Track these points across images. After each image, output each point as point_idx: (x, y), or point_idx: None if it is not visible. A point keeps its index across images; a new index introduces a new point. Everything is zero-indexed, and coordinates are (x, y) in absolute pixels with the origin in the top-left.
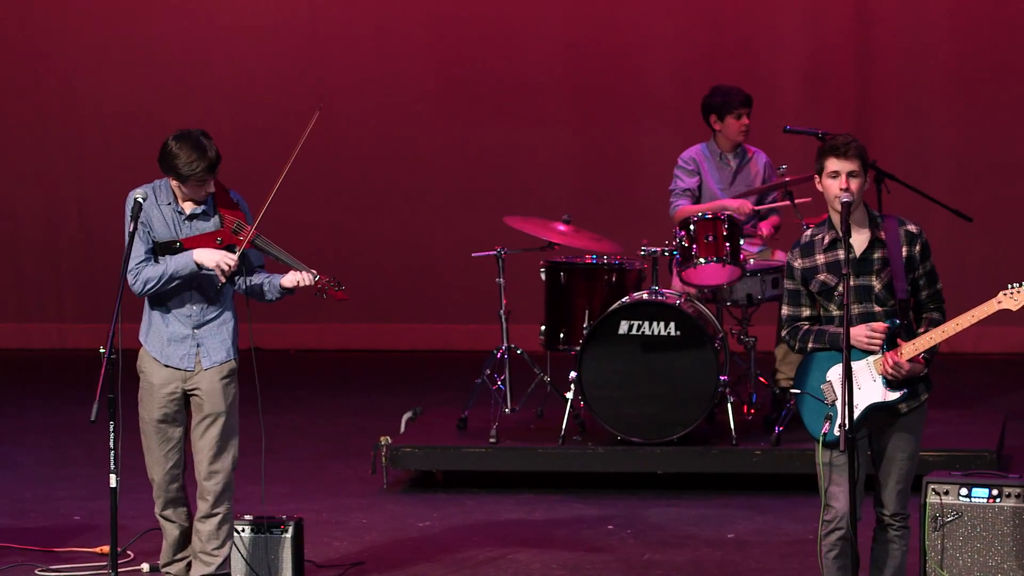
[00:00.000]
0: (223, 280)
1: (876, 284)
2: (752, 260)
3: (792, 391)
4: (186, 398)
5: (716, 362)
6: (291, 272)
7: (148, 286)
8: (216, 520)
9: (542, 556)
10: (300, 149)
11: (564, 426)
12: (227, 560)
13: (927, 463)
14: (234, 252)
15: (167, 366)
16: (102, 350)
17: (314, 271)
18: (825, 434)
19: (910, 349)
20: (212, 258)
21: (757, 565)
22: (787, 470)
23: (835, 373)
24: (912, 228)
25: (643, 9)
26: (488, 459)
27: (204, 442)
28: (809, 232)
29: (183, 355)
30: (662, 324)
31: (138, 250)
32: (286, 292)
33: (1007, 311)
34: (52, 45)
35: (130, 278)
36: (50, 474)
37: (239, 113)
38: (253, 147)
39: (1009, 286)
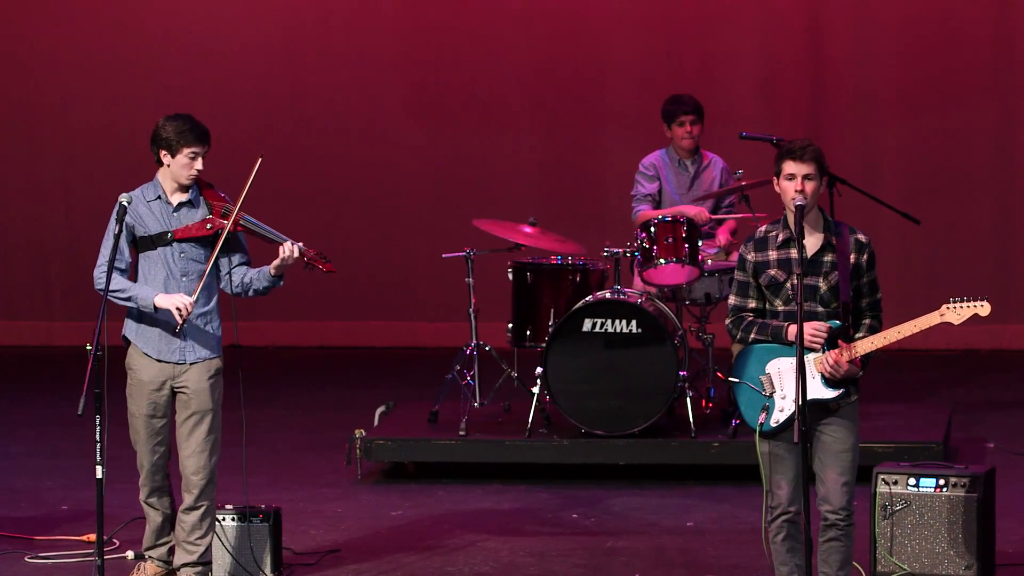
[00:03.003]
0: (180, 321)
1: (823, 285)
2: (710, 261)
3: (730, 379)
4: (172, 394)
5: (676, 358)
6: (279, 249)
7: (103, 291)
8: (200, 512)
9: (510, 543)
10: (246, 194)
11: (530, 419)
12: (209, 548)
13: (877, 454)
14: (222, 235)
15: (159, 360)
16: (89, 347)
17: (300, 243)
18: (762, 424)
19: (851, 351)
20: (169, 301)
21: (715, 552)
22: (743, 461)
23: (775, 366)
24: (862, 237)
25: (606, 21)
26: (458, 451)
27: (191, 438)
28: (764, 228)
29: (174, 349)
30: (624, 322)
31: (107, 250)
32: (276, 279)
33: (949, 324)
34: (42, 53)
35: (96, 272)
36: (39, 465)
37: (219, 121)
38: (233, 156)
39: (952, 300)
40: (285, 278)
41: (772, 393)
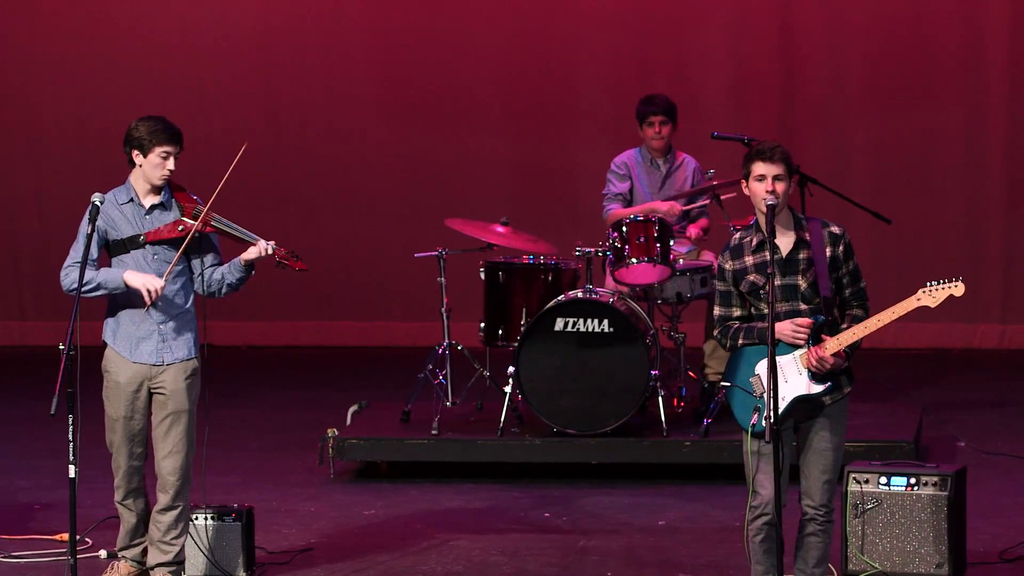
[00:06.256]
0: (148, 302)
1: (802, 283)
2: (681, 260)
3: (723, 384)
4: (150, 395)
5: (648, 357)
6: (251, 247)
7: (69, 289)
8: (176, 512)
9: (482, 542)
10: (226, 181)
11: (503, 418)
12: (183, 548)
13: (848, 453)
14: (189, 235)
15: (136, 362)
16: (61, 347)
17: (272, 242)
18: (754, 425)
19: (834, 343)
20: (140, 280)
21: (687, 551)
22: (715, 460)
23: (763, 367)
24: (835, 229)
25: (576, 21)
26: (430, 450)
27: (168, 438)
28: (738, 235)
29: (151, 350)
30: (596, 321)
31: (76, 251)
32: (248, 268)
33: (926, 308)
34: (14, 53)
35: (62, 275)
36: (11, 465)
37: (191, 121)
38: (205, 157)
39: (928, 284)
40: (258, 277)
41: (762, 393)
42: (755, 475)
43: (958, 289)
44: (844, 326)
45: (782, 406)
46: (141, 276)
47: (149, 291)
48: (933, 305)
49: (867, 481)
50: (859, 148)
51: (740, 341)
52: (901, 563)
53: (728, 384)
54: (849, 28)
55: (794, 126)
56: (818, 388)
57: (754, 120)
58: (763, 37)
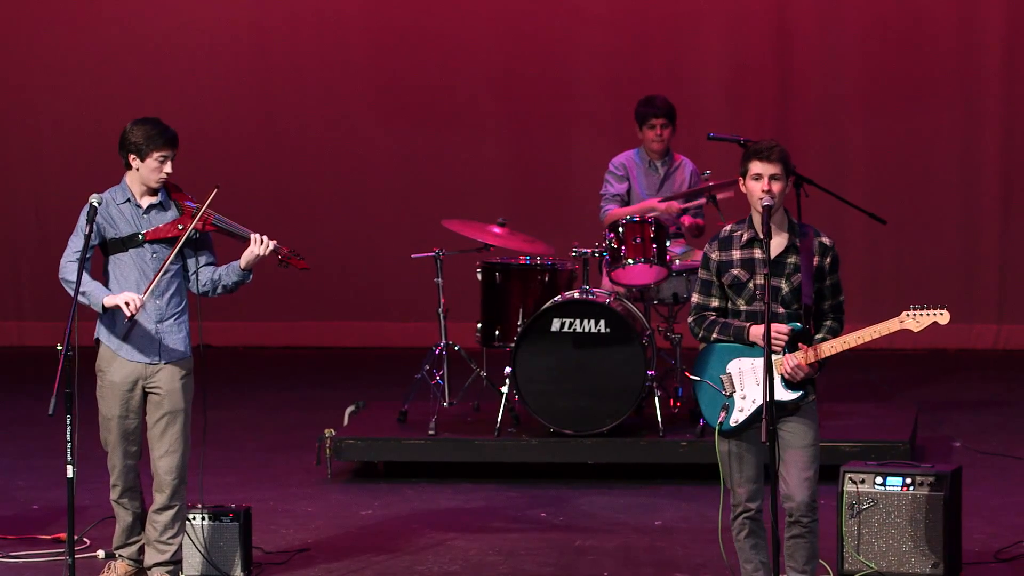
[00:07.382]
0: (127, 315)
1: (785, 287)
2: (678, 260)
3: (691, 377)
4: (144, 394)
5: (644, 358)
6: (246, 251)
7: (66, 281)
8: (172, 512)
9: (479, 542)
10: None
11: (499, 419)
12: (180, 548)
13: (844, 453)
14: (185, 233)
15: (132, 360)
16: (59, 347)
17: (275, 241)
18: (721, 423)
19: (812, 355)
20: (120, 298)
21: (683, 551)
22: (711, 460)
23: (735, 366)
24: (826, 240)
25: (573, 21)
26: (427, 450)
27: (163, 438)
28: (729, 227)
29: (147, 348)
30: (592, 322)
31: (76, 244)
32: (245, 273)
33: (908, 331)
34: (10, 52)
35: (61, 265)
36: (9, 465)
37: (187, 121)
38: (201, 156)
39: (912, 307)
40: (255, 276)
41: (732, 393)
42: (730, 474)
43: (943, 317)
44: (818, 336)
45: (752, 408)
46: (119, 296)
47: (127, 303)
48: (916, 330)
49: (863, 481)
50: (855, 149)
51: (715, 335)
52: (897, 563)
53: (697, 378)
54: (846, 29)
55: (790, 127)
56: (791, 395)
57: (750, 121)
58: (760, 38)
